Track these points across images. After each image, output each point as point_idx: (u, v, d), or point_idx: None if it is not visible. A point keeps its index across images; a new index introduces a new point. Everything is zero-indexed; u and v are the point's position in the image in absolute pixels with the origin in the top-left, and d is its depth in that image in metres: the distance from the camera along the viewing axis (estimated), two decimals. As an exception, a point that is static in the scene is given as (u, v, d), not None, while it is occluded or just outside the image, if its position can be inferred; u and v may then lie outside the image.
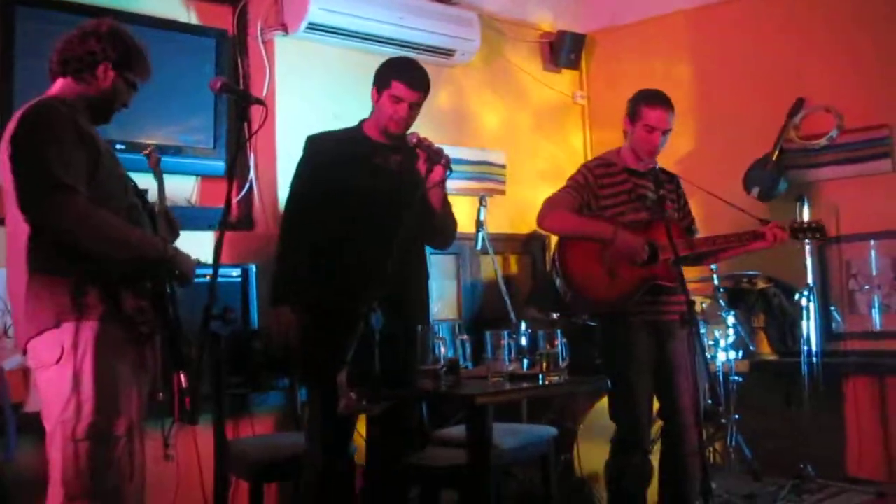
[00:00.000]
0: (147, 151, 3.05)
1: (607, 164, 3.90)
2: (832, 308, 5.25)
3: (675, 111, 3.83)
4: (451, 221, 3.56)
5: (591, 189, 3.82)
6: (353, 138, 3.53)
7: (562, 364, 3.44)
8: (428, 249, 3.70)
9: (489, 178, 5.58)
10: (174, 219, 2.96)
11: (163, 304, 2.70)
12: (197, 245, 4.08)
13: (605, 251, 3.73)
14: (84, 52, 2.71)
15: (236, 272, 4.33)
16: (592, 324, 4.24)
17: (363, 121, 3.59)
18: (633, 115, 3.85)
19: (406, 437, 3.51)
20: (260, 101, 2.87)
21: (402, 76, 3.42)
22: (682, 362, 3.70)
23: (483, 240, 4.98)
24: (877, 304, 5.14)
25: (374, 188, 3.41)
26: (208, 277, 2.76)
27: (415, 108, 3.46)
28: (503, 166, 5.69)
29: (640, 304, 3.73)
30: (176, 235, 2.96)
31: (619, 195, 3.83)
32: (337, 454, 3.26)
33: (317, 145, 3.54)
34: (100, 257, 2.57)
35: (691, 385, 3.55)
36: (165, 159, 4.28)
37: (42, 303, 2.57)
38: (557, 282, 3.85)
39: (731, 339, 4.95)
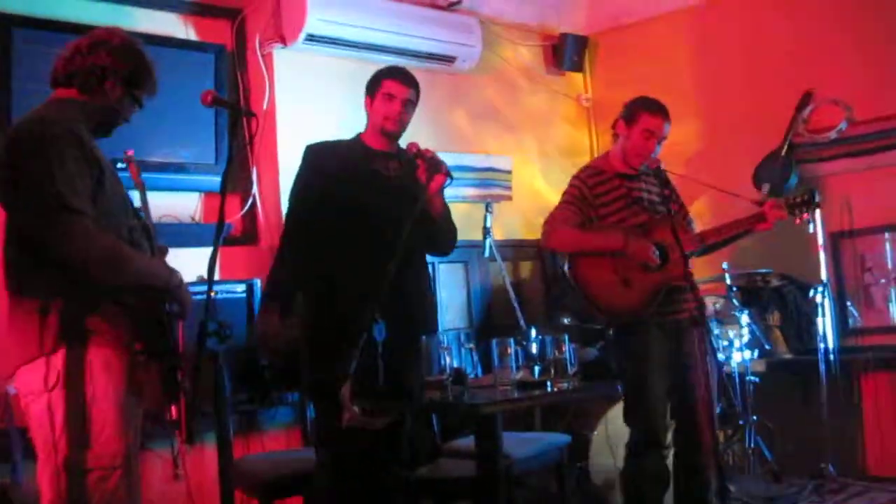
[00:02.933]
0: (125, 159, 2.90)
1: (598, 173, 3.85)
2: (848, 303, 5.17)
3: (671, 122, 3.79)
4: (451, 228, 3.51)
5: (588, 201, 3.77)
6: (352, 147, 3.50)
7: (570, 370, 3.38)
8: (431, 258, 3.63)
9: (495, 184, 5.53)
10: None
11: (161, 328, 2.60)
12: (201, 262, 4.08)
13: (617, 260, 3.68)
14: (92, 64, 2.57)
15: (241, 287, 4.30)
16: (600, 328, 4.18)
17: (360, 133, 3.56)
18: (629, 119, 3.80)
19: (399, 450, 3.41)
20: (250, 113, 2.81)
21: (391, 74, 3.45)
22: (694, 362, 3.63)
23: (490, 247, 4.93)
24: (893, 298, 5.05)
25: (374, 195, 3.37)
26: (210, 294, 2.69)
27: (408, 107, 3.44)
28: (509, 172, 5.64)
29: (657, 306, 3.67)
30: (164, 252, 2.88)
31: (616, 201, 3.77)
32: (345, 468, 3.18)
33: (316, 153, 3.50)
34: (104, 283, 2.45)
35: (703, 385, 3.48)
36: (168, 176, 4.35)
37: (26, 329, 2.44)
38: (574, 296, 3.79)
39: (745, 339, 4.88)
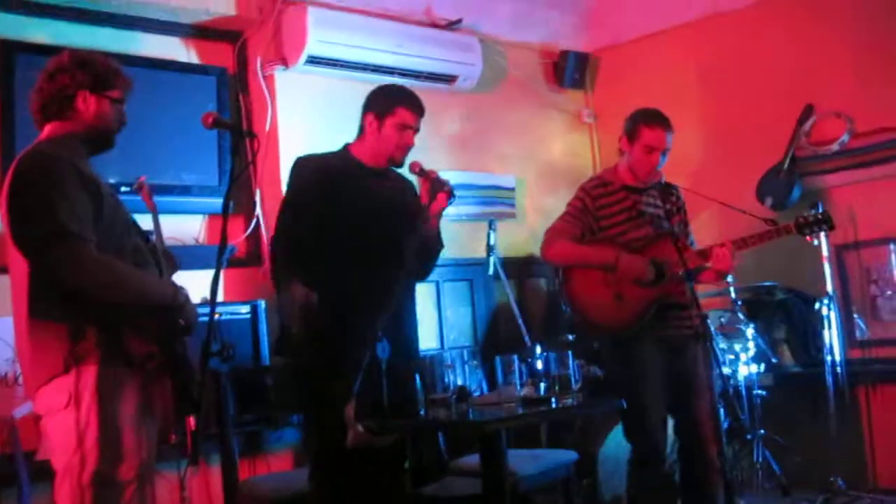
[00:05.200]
0: (136, 186, 2.99)
1: (604, 184, 3.86)
2: (855, 315, 5.14)
3: (673, 130, 3.78)
4: (437, 252, 3.48)
5: (590, 213, 3.78)
6: (344, 162, 3.43)
7: (574, 386, 3.38)
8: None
9: (498, 202, 5.55)
10: (171, 254, 2.93)
11: (171, 347, 2.65)
12: (206, 283, 4.08)
13: (610, 275, 3.68)
14: (56, 90, 2.63)
15: (245, 309, 4.31)
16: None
17: (348, 144, 3.49)
18: (630, 134, 3.81)
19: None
20: (251, 134, 2.85)
21: (407, 103, 3.39)
22: (695, 378, 3.62)
23: (494, 265, 4.92)
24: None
25: (371, 213, 3.34)
26: (215, 315, 2.71)
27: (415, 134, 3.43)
28: (512, 189, 5.66)
29: (650, 321, 3.67)
30: (175, 269, 2.91)
31: (619, 213, 3.78)
32: (344, 489, 3.18)
33: (308, 166, 3.43)
34: (108, 304, 2.51)
35: (707, 400, 3.47)
36: (172, 199, 4.37)
37: (46, 349, 2.52)
38: (566, 310, 3.80)
39: (752, 353, 4.87)
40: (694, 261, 3.69)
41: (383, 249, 3.29)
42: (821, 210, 3.89)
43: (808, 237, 3.83)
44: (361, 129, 3.44)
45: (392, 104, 3.37)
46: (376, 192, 3.41)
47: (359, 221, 3.33)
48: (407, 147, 3.38)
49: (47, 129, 2.68)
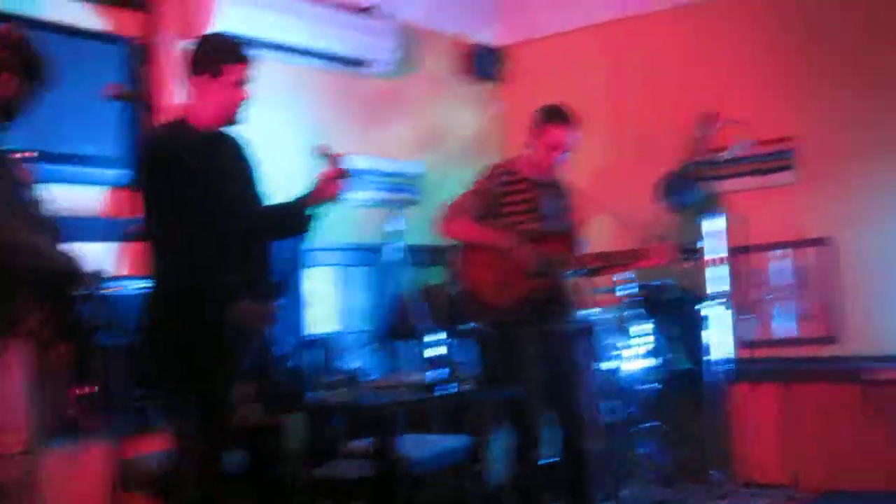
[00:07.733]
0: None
1: (509, 172, 3.93)
2: (741, 317, 5.35)
3: (578, 127, 3.87)
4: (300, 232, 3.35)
5: (494, 196, 3.84)
6: (192, 131, 3.15)
7: (471, 373, 3.44)
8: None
9: (403, 188, 5.57)
10: (55, 224, 2.87)
11: (65, 316, 2.62)
12: (102, 256, 4.01)
13: (501, 260, 3.76)
14: None
15: (140, 284, 4.22)
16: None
17: (183, 112, 3.20)
18: (535, 129, 3.89)
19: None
20: (149, 107, 2.81)
21: (236, 57, 3.13)
22: (573, 372, 3.74)
23: (397, 251, 4.94)
24: (779, 313, 5.27)
25: (235, 186, 3.18)
26: (111, 290, 2.69)
27: None
28: (418, 177, 5.69)
29: (532, 312, 3.76)
30: (57, 240, 2.86)
31: (518, 203, 3.87)
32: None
33: (177, 141, 3.10)
34: (10, 267, 2.48)
35: (582, 394, 3.59)
36: (71, 169, 4.26)
37: None
38: (452, 287, 3.87)
39: (645, 348, 5.00)
40: (576, 263, 3.80)
41: (248, 222, 3.18)
42: (701, 242, 4.07)
43: (685, 264, 4.04)
44: (190, 94, 3.17)
45: (221, 62, 3.11)
46: (228, 157, 3.21)
47: (231, 196, 3.14)
48: (245, 101, 3.13)
49: None
